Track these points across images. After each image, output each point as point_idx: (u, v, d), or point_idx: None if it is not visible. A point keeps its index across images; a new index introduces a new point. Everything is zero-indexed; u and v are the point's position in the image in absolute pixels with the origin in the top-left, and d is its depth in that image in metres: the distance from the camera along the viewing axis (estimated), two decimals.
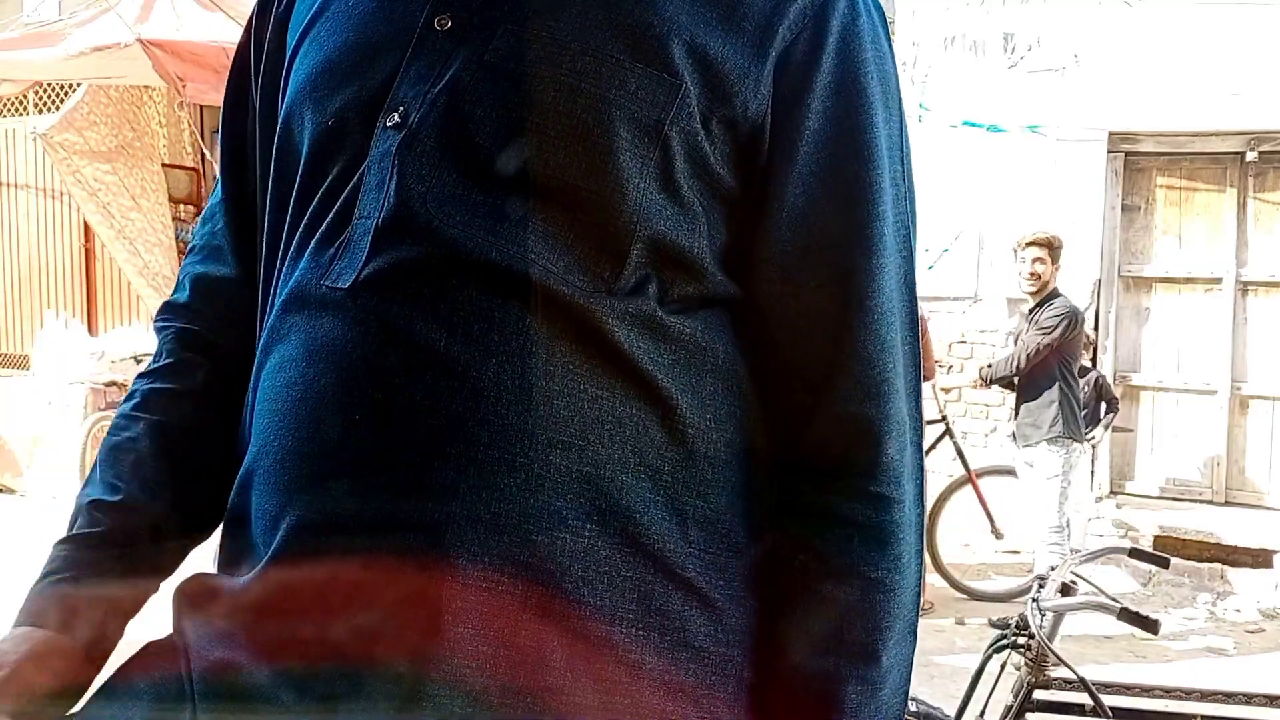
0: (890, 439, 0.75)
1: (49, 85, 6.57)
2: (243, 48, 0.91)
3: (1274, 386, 5.79)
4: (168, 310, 0.90)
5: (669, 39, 0.71)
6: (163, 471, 0.82)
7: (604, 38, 0.71)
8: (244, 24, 0.91)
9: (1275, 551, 5.32)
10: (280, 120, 0.81)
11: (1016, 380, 4.65)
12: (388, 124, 0.72)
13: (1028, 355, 4.52)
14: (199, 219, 0.94)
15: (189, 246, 0.94)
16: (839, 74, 0.74)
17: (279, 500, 0.70)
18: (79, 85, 5.99)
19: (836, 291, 0.74)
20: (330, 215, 0.73)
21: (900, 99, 0.80)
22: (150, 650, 0.77)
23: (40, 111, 6.88)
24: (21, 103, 6.97)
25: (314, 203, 0.75)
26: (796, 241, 0.74)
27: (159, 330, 0.89)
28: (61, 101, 6.50)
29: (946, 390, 5.36)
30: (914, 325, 0.78)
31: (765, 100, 0.73)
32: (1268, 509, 5.71)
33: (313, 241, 0.74)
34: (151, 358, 0.88)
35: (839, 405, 0.74)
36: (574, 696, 0.67)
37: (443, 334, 0.68)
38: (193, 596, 0.76)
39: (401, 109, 0.72)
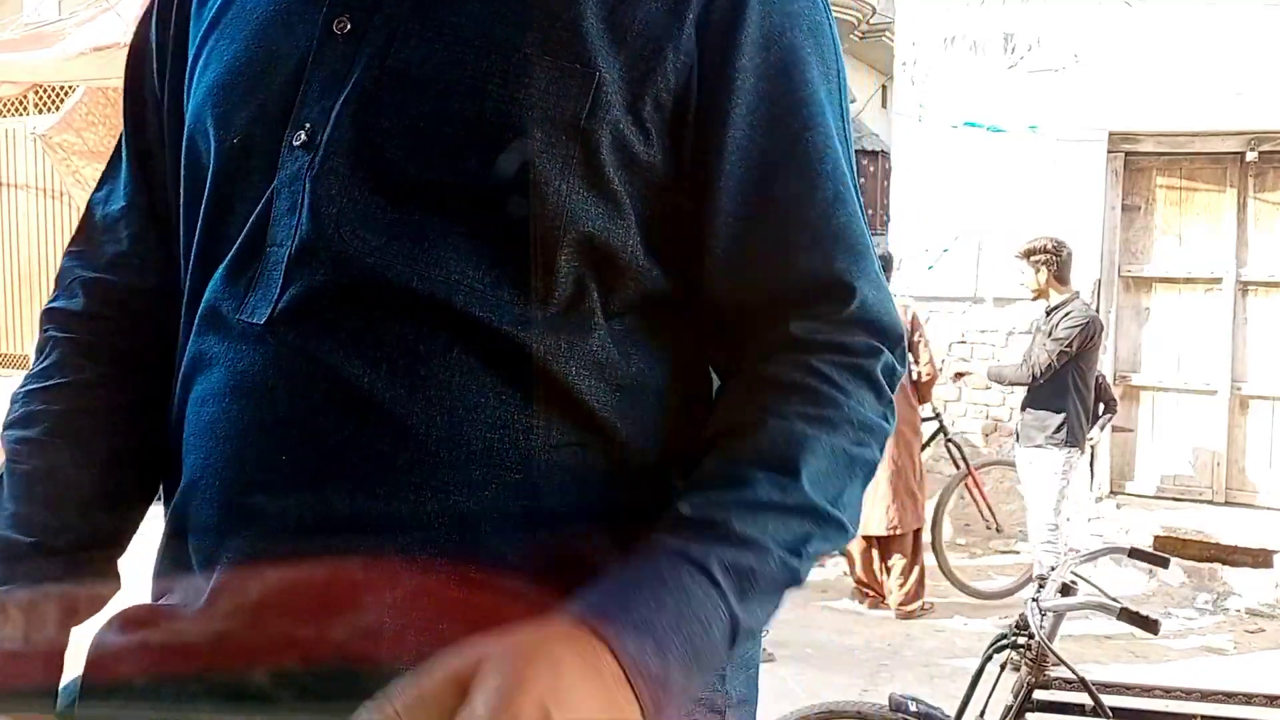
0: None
1: (49, 86, 6.57)
2: (139, 48, 0.84)
3: (1274, 386, 5.79)
4: (59, 317, 0.82)
5: (580, 22, 0.66)
6: (87, 500, 0.76)
7: (510, 31, 0.66)
8: None
9: (1275, 551, 5.32)
10: (185, 135, 0.76)
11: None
12: (294, 143, 0.68)
13: (1042, 368, 4.47)
14: (81, 223, 0.86)
15: (70, 250, 0.85)
16: (765, 29, 0.69)
17: (213, 539, 0.68)
18: (78, 86, 6.00)
19: (793, 265, 0.71)
20: (241, 241, 0.69)
21: (837, 51, 0.75)
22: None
23: (40, 112, 6.88)
24: (21, 103, 6.98)
25: (223, 226, 0.71)
26: (740, 214, 0.70)
27: (50, 340, 0.82)
28: (61, 102, 6.50)
29: (959, 375, 5.35)
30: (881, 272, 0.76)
31: (688, 68, 0.68)
32: (1267, 509, 5.71)
33: (223, 267, 0.70)
34: (40, 368, 0.81)
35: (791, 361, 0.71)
36: None
37: (367, 370, 0.65)
38: (134, 623, 0.72)
39: (308, 126, 0.68)
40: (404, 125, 0.66)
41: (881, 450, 0.72)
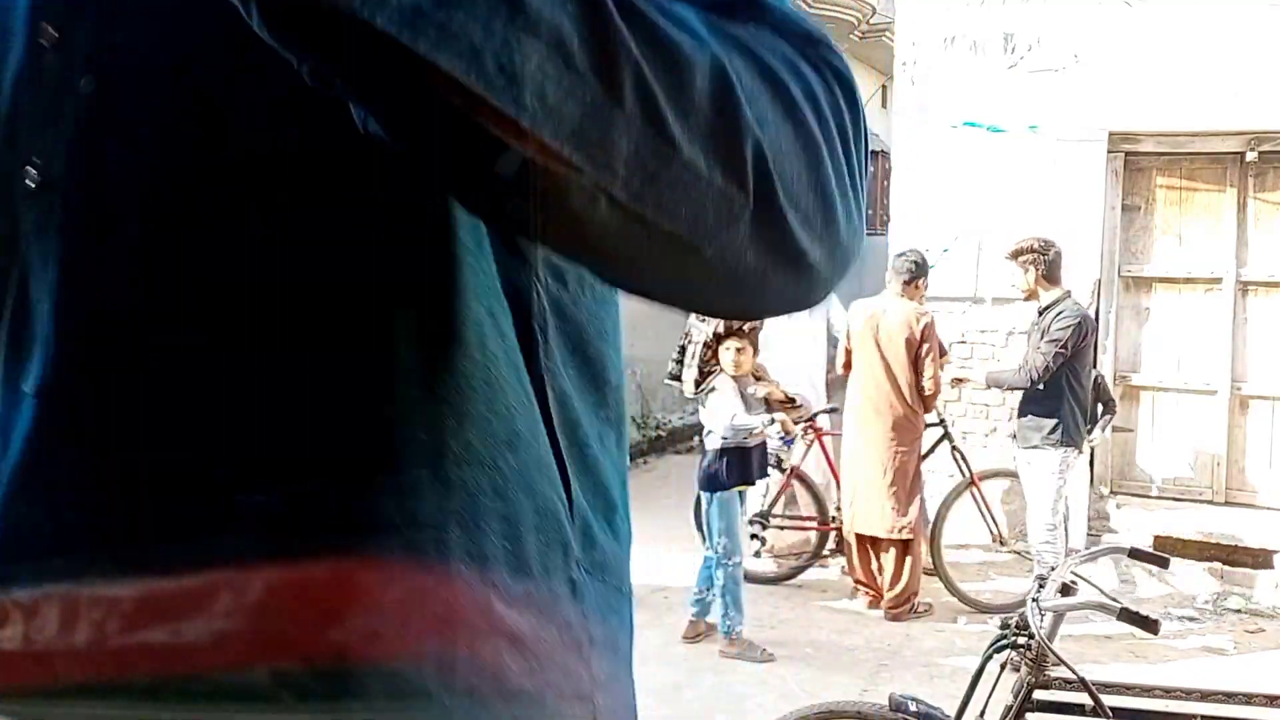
0: None
1: None
2: None
3: (1274, 386, 5.79)
4: None
5: None
6: None
7: None
8: None
9: (1275, 551, 5.32)
10: None
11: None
12: (30, 184, 0.57)
13: (1040, 371, 4.48)
14: None
15: None
16: None
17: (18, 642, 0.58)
18: None
19: None
20: (12, 304, 0.60)
21: None
22: None
23: None
24: None
25: None
26: None
27: None
28: None
29: (957, 382, 5.35)
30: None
31: None
32: (1268, 509, 5.71)
33: (6, 332, 0.60)
34: None
35: None
36: None
37: (157, 441, 0.55)
38: None
39: (39, 162, 0.57)
40: (143, 136, 0.54)
41: (809, 100, 0.51)
